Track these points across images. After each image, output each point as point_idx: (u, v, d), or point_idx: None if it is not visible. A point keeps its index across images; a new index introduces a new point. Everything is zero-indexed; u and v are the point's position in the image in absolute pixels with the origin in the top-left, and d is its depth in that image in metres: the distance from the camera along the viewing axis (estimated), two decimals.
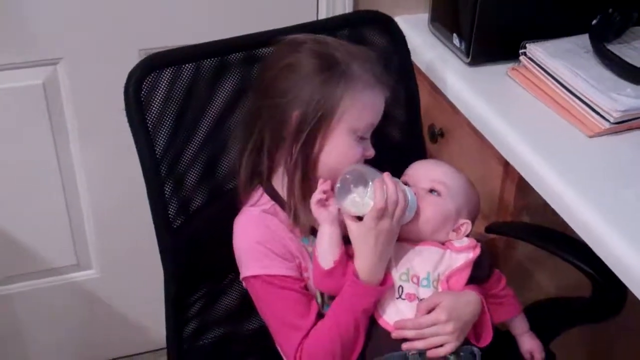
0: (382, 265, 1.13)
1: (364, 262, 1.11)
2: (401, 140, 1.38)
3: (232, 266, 1.19)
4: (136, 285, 1.87)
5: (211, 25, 1.47)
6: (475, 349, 1.14)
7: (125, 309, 1.92)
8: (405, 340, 1.11)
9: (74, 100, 1.61)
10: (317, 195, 1.13)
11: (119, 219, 1.77)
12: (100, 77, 1.58)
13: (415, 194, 1.16)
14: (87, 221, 1.77)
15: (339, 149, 1.14)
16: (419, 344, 1.10)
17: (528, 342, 1.25)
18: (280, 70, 1.15)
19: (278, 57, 1.17)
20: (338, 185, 1.11)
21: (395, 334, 1.11)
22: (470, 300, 1.14)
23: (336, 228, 1.13)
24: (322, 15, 1.64)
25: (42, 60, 1.55)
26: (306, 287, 1.16)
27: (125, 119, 1.55)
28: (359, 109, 1.14)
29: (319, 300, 1.18)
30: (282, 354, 1.19)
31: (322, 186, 1.13)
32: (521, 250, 1.43)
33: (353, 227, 1.11)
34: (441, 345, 1.10)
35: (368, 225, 1.10)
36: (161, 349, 1.97)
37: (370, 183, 1.10)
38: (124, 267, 1.85)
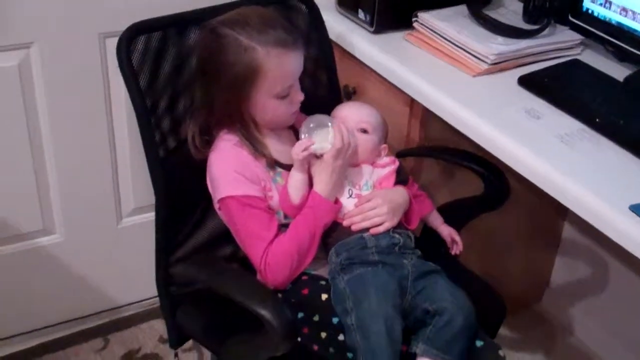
0: (335, 191, 1.48)
1: (323, 189, 1.47)
2: (324, 95, 1.73)
3: (205, 195, 1.51)
4: (98, 249, 2.13)
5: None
6: (409, 231, 1.52)
7: (86, 271, 2.15)
8: None
9: (44, 80, 1.84)
10: (296, 149, 1.45)
11: (81, 187, 2.02)
12: (66, 58, 1.84)
13: None
14: (52, 190, 1.99)
15: (269, 109, 1.48)
16: (365, 224, 1.47)
17: (446, 229, 1.64)
18: (212, 56, 1.45)
19: (207, 44, 1.46)
20: (303, 130, 1.46)
21: (346, 222, 1.48)
22: (399, 191, 1.54)
23: (306, 175, 1.47)
24: None
25: (17, 44, 1.78)
26: (269, 206, 1.48)
27: (89, 96, 1.85)
28: (272, 78, 1.44)
29: (282, 214, 1.50)
30: (251, 262, 1.49)
31: (303, 143, 1.45)
32: (424, 172, 1.83)
33: (316, 163, 1.47)
34: (381, 224, 1.47)
35: (327, 162, 1.46)
36: (119, 307, 2.24)
37: (330, 129, 1.45)
38: (86, 231, 2.09)
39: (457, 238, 1.64)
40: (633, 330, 2.05)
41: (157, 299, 2.23)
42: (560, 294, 2.32)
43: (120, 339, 2.15)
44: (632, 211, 1.28)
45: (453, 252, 1.64)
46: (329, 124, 1.47)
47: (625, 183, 1.36)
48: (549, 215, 2.18)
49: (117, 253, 2.15)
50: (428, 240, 1.64)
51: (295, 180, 1.47)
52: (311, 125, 1.47)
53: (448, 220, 1.66)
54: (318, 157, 1.47)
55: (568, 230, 2.24)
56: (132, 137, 2.00)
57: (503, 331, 2.13)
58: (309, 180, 1.48)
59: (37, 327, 2.14)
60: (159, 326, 2.18)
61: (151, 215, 2.10)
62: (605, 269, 2.14)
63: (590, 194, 1.33)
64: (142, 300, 2.26)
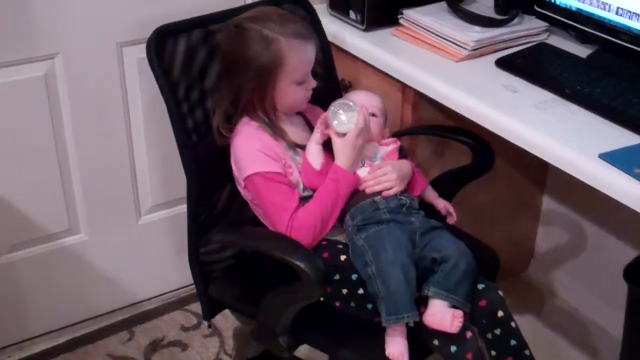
0: (355, 165, 1.69)
1: (345, 163, 1.67)
2: (323, 86, 1.91)
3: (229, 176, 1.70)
4: (120, 247, 2.30)
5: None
6: (414, 196, 1.74)
7: (109, 268, 2.31)
8: None
9: (67, 88, 2.02)
10: (318, 126, 1.68)
11: (103, 188, 2.19)
12: (87, 67, 2.03)
13: None
14: (76, 191, 2.16)
15: (289, 94, 1.69)
16: (377, 187, 1.68)
17: (441, 202, 1.85)
18: (238, 50, 1.66)
19: (233, 39, 1.66)
20: (331, 110, 1.67)
21: (361, 187, 1.69)
22: (404, 162, 1.76)
23: (320, 146, 1.69)
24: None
25: (43, 55, 1.96)
26: (289, 181, 1.68)
27: (109, 102, 2.01)
28: (293, 66, 1.66)
29: (301, 188, 1.70)
30: (277, 231, 1.66)
31: (320, 121, 1.68)
32: (419, 151, 2.04)
33: (338, 141, 1.68)
34: (391, 188, 1.68)
35: (350, 139, 1.67)
36: (141, 301, 2.41)
37: (355, 112, 1.66)
38: (109, 229, 2.26)
39: (452, 210, 1.85)
40: (610, 285, 2.27)
41: (177, 292, 2.44)
42: (545, 262, 2.54)
43: (145, 331, 2.31)
44: (602, 159, 1.50)
45: (448, 222, 1.84)
46: (356, 107, 1.68)
47: (595, 137, 1.58)
48: (529, 189, 2.41)
49: (137, 249, 2.33)
50: (425, 214, 1.83)
51: (316, 150, 1.69)
52: (339, 106, 1.68)
53: (442, 190, 1.86)
54: (339, 135, 1.67)
55: (547, 202, 2.46)
56: (148, 140, 2.19)
57: None
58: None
59: (65, 324, 2.29)
60: (179, 317, 2.35)
61: (167, 212, 2.32)
62: (584, 234, 2.37)
63: (565, 148, 1.56)
64: (162, 294, 2.42)
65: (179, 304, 2.39)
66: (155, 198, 2.29)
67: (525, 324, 2.35)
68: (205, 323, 2.27)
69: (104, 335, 2.29)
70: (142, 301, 2.40)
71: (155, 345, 2.25)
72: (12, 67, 1.94)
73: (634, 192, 1.42)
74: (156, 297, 2.42)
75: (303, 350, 2.14)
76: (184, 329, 2.31)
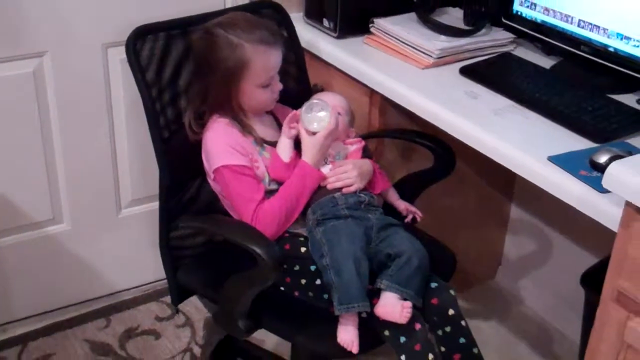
0: (320, 163, 1.79)
1: (311, 160, 1.77)
2: (294, 87, 2.02)
3: (200, 172, 1.80)
4: (100, 238, 2.39)
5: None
6: (374, 194, 1.83)
7: (90, 258, 2.41)
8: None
9: (55, 84, 2.13)
10: (287, 122, 1.78)
11: (86, 181, 2.29)
12: (74, 65, 2.13)
13: None
14: (61, 183, 2.26)
15: (254, 96, 1.79)
16: (338, 184, 1.78)
17: (402, 204, 1.95)
18: (207, 53, 1.76)
19: (202, 43, 1.77)
20: (304, 109, 1.77)
21: (323, 183, 1.78)
22: (366, 161, 1.86)
23: (291, 141, 1.79)
24: (229, 4, 2.25)
25: (32, 53, 2.07)
26: (256, 175, 1.77)
27: (93, 100, 2.11)
28: (258, 70, 1.76)
29: (267, 181, 1.79)
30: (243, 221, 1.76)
31: (291, 117, 1.78)
32: (385, 153, 2.14)
33: (307, 138, 1.78)
34: (351, 185, 1.77)
35: (319, 138, 1.77)
36: (119, 291, 2.51)
37: (328, 111, 1.76)
38: (90, 220, 2.36)
39: (413, 208, 1.94)
40: (572, 292, 2.34)
41: (153, 284, 2.53)
42: (512, 270, 2.62)
43: (121, 319, 2.40)
44: (550, 161, 1.59)
45: (409, 219, 1.93)
46: (328, 108, 1.78)
47: (545, 141, 1.66)
48: (496, 197, 2.49)
49: (117, 241, 2.42)
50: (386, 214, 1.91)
51: (285, 144, 1.79)
52: (313, 106, 1.78)
53: (405, 192, 1.96)
54: (309, 133, 1.77)
55: (515, 211, 2.55)
56: (130, 137, 2.30)
57: (459, 303, 2.44)
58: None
59: (46, 309, 2.39)
60: (154, 307, 2.45)
61: (146, 207, 2.41)
62: (550, 243, 2.45)
63: (516, 150, 1.63)
64: (139, 286, 2.52)
65: (155, 295, 2.48)
66: (135, 192, 2.39)
67: (490, 329, 2.47)
68: (179, 314, 2.36)
69: (82, 321, 2.38)
70: (119, 291, 2.50)
71: (130, 333, 2.34)
72: (2, 64, 2.04)
73: (578, 192, 1.49)
74: (133, 288, 2.51)
75: (270, 343, 2.24)
76: (158, 319, 2.39)
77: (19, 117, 2.12)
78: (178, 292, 1.88)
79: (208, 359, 2.21)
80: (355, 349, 1.62)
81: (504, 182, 2.46)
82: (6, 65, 2.05)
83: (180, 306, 2.38)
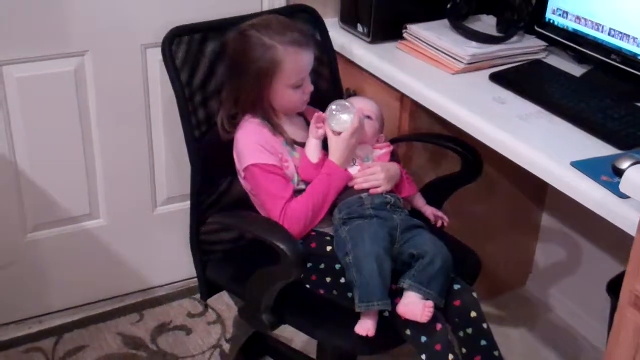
0: (347, 163, 1.83)
1: (338, 159, 1.81)
2: (327, 89, 2.07)
3: (231, 170, 1.85)
4: (136, 234, 2.46)
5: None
6: (400, 197, 1.86)
7: (125, 254, 2.47)
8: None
9: (95, 83, 2.20)
10: (313, 122, 1.82)
11: (123, 178, 2.36)
12: (114, 65, 2.20)
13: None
14: (99, 179, 2.33)
15: (285, 97, 1.83)
16: (365, 185, 1.81)
17: (429, 209, 1.97)
18: (240, 54, 1.81)
19: (236, 44, 1.82)
20: (329, 110, 1.81)
21: (351, 183, 1.82)
22: (393, 165, 1.89)
23: (319, 142, 1.83)
24: (265, 8, 2.31)
25: (74, 52, 2.14)
26: (285, 174, 1.81)
27: (132, 98, 2.17)
28: (289, 71, 1.79)
29: (296, 181, 1.83)
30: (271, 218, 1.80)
31: (317, 118, 1.82)
32: (415, 158, 2.16)
33: (333, 139, 1.82)
34: (379, 187, 1.80)
35: (344, 138, 1.80)
36: (153, 287, 2.57)
37: (352, 112, 1.80)
38: (126, 217, 2.42)
39: (440, 214, 1.96)
40: (600, 302, 2.33)
41: (186, 282, 2.58)
42: (542, 279, 2.62)
43: (154, 314, 2.46)
44: (573, 166, 1.60)
45: (439, 225, 1.95)
46: (353, 109, 1.81)
47: (570, 146, 1.68)
48: (528, 206, 2.50)
49: (152, 238, 2.48)
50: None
51: (313, 145, 1.83)
52: (338, 107, 1.82)
53: (432, 196, 1.98)
54: (335, 134, 1.80)
55: (547, 220, 2.54)
56: (167, 136, 2.36)
57: (489, 309, 2.46)
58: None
59: (81, 302, 2.46)
60: (187, 304, 2.50)
61: (181, 205, 2.47)
62: (580, 252, 2.45)
63: (540, 154, 1.66)
64: (173, 283, 2.57)
65: (188, 292, 2.54)
66: (171, 191, 2.45)
67: (518, 336, 2.46)
68: (211, 311, 2.42)
69: (116, 315, 2.44)
70: (153, 287, 2.56)
71: (162, 328, 2.40)
72: (46, 62, 2.12)
73: (598, 197, 1.51)
74: (167, 284, 2.57)
75: (298, 342, 2.28)
76: (190, 315, 2.45)
77: (60, 114, 2.20)
78: (207, 287, 1.93)
79: (237, 355, 2.25)
80: (371, 333, 1.63)
81: (535, 190, 2.46)
82: (49, 63, 2.12)
83: (212, 303, 2.45)
